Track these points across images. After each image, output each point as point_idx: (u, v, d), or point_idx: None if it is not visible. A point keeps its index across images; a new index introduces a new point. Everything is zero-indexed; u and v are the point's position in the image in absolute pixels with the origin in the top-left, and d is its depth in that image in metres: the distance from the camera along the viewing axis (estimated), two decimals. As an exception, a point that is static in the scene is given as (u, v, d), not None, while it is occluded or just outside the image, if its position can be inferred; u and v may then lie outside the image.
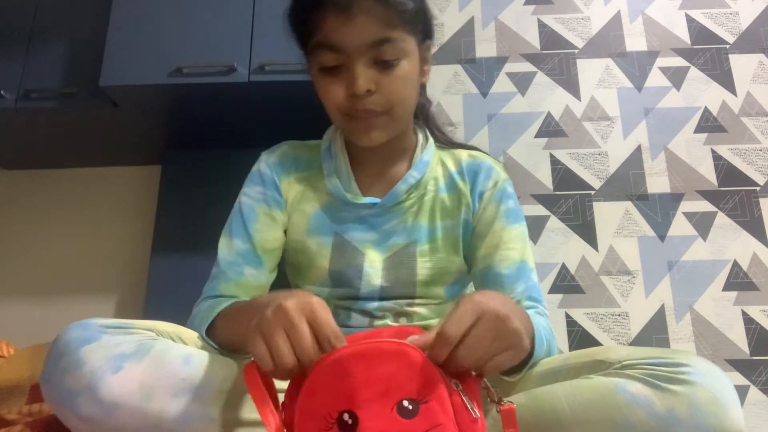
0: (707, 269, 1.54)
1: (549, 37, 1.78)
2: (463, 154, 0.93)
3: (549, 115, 1.71)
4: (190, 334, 0.73)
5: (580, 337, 1.51)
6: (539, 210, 1.62)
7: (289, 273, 0.96)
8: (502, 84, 1.75)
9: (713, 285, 1.53)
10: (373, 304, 0.85)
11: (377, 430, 0.50)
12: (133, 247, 1.93)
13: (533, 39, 1.78)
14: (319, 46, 0.76)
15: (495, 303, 0.55)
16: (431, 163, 0.90)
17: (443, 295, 0.88)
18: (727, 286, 1.52)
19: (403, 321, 0.86)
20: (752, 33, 1.73)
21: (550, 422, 0.62)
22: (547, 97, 1.73)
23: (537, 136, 1.69)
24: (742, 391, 1.44)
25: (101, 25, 1.55)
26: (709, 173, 1.62)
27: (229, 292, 0.83)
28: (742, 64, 1.71)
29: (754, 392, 1.43)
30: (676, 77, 1.71)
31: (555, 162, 1.66)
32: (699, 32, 1.75)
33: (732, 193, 1.60)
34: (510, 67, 1.76)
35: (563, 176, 1.65)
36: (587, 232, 1.60)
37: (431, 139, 0.94)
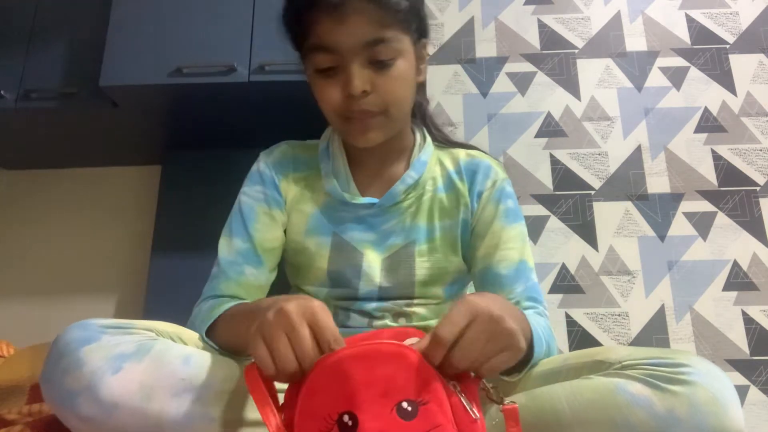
0: (707, 269, 1.54)
1: (549, 37, 1.78)
2: (461, 154, 0.93)
3: (549, 115, 1.71)
4: (190, 335, 0.73)
5: (580, 337, 1.51)
6: (539, 210, 1.62)
7: (288, 273, 0.96)
8: (502, 84, 1.75)
9: (713, 285, 1.53)
10: (372, 305, 0.85)
11: (377, 431, 0.50)
12: (133, 247, 1.93)
13: (533, 39, 1.78)
14: (314, 48, 0.76)
15: (489, 304, 0.55)
16: (429, 163, 0.90)
17: (442, 296, 0.88)
18: (727, 286, 1.52)
19: (402, 321, 0.86)
20: (752, 33, 1.73)
21: (550, 422, 0.62)
22: (547, 97, 1.73)
23: (537, 136, 1.69)
24: (742, 391, 1.44)
25: (101, 25, 1.55)
26: (709, 173, 1.62)
27: (230, 292, 0.83)
28: (742, 64, 1.71)
29: (754, 392, 1.43)
30: (676, 77, 1.71)
31: (555, 162, 1.66)
32: (699, 32, 1.75)
33: (732, 193, 1.60)
34: (510, 67, 1.76)
35: (563, 176, 1.65)
36: (587, 232, 1.60)
37: (429, 139, 0.93)
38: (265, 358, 0.53)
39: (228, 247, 0.86)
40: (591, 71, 1.74)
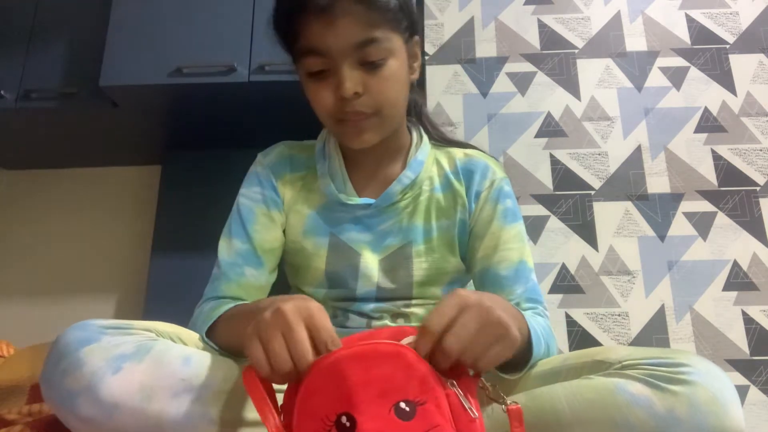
0: (707, 269, 1.54)
1: (549, 37, 1.78)
2: (459, 153, 0.93)
3: (549, 115, 1.71)
4: (190, 335, 0.73)
5: (580, 337, 1.51)
6: (539, 210, 1.62)
7: (288, 274, 0.96)
8: (502, 84, 1.75)
9: (713, 285, 1.53)
10: (370, 306, 0.85)
11: None
12: (133, 247, 1.93)
13: (533, 39, 1.78)
14: (304, 51, 0.75)
15: (480, 296, 0.55)
16: (426, 163, 0.90)
17: (440, 296, 0.88)
18: (727, 286, 1.52)
19: (400, 322, 0.86)
20: (752, 33, 1.73)
21: (550, 422, 0.62)
22: (547, 97, 1.73)
23: (537, 136, 1.69)
24: (742, 391, 1.43)
25: (101, 25, 1.55)
26: (709, 173, 1.62)
27: (231, 293, 0.83)
28: (742, 64, 1.71)
29: (754, 392, 1.43)
30: (676, 77, 1.71)
31: (555, 162, 1.66)
32: (699, 32, 1.75)
33: (732, 193, 1.60)
34: (510, 67, 1.76)
35: (563, 176, 1.65)
36: (587, 232, 1.60)
37: (426, 138, 0.93)
38: (260, 358, 0.53)
39: (228, 248, 0.86)
40: (591, 71, 1.74)
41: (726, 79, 1.69)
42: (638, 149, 1.66)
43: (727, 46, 1.72)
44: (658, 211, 1.60)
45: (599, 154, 1.67)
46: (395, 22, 0.76)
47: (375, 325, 0.84)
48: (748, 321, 1.49)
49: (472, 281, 0.92)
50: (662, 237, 1.57)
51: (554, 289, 1.56)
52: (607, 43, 1.76)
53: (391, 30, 0.76)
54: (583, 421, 0.60)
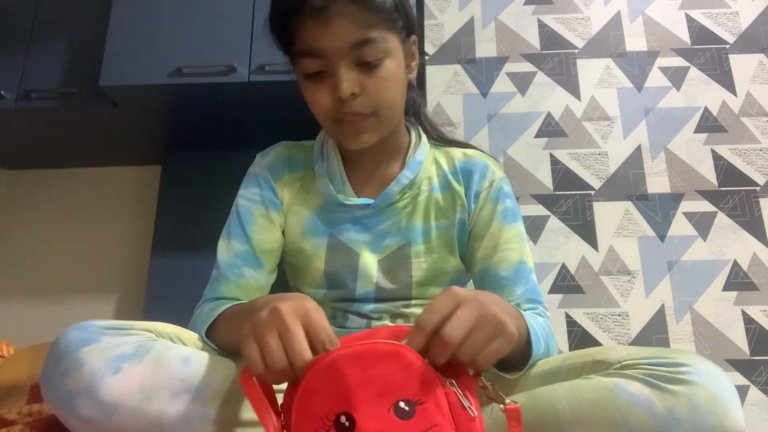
0: (707, 269, 1.54)
1: (549, 37, 1.78)
2: (458, 153, 0.92)
3: (549, 115, 1.71)
4: (190, 335, 0.73)
5: (580, 337, 1.51)
6: (539, 210, 1.62)
7: (288, 275, 0.96)
8: (502, 84, 1.75)
9: (713, 285, 1.53)
10: (370, 306, 0.85)
11: (375, 431, 0.50)
12: (133, 247, 1.93)
13: (533, 39, 1.78)
14: (301, 53, 0.75)
15: (475, 293, 0.55)
16: (425, 163, 0.89)
17: (440, 297, 0.88)
18: (727, 286, 1.52)
19: (400, 322, 0.85)
20: (752, 33, 1.73)
21: (550, 422, 0.62)
22: (547, 97, 1.73)
23: (537, 136, 1.69)
24: (742, 391, 1.43)
25: (101, 25, 1.55)
26: (709, 173, 1.62)
27: (230, 294, 0.83)
28: (742, 64, 1.71)
29: (754, 392, 1.43)
30: (676, 77, 1.71)
31: (555, 162, 1.66)
32: (699, 32, 1.75)
33: (732, 193, 1.60)
34: (510, 67, 1.76)
35: (563, 176, 1.65)
36: (587, 232, 1.60)
37: (424, 138, 0.93)
38: (255, 357, 0.53)
39: (227, 249, 0.86)
40: (591, 71, 1.74)
41: (726, 79, 1.69)
42: (638, 149, 1.66)
43: (727, 46, 1.72)
44: (658, 211, 1.60)
45: (599, 154, 1.66)
46: (391, 22, 0.76)
47: (374, 325, 0.84)
48: (748, 321, 1.49)
49: (471, 281, 0.92)
50: (662, 237, 1.57)
51: (554, 289, 1.56)
52: (607, 43, 1.76)
53: (387, 30, 0.76)
54: (583, 421, 0.60)
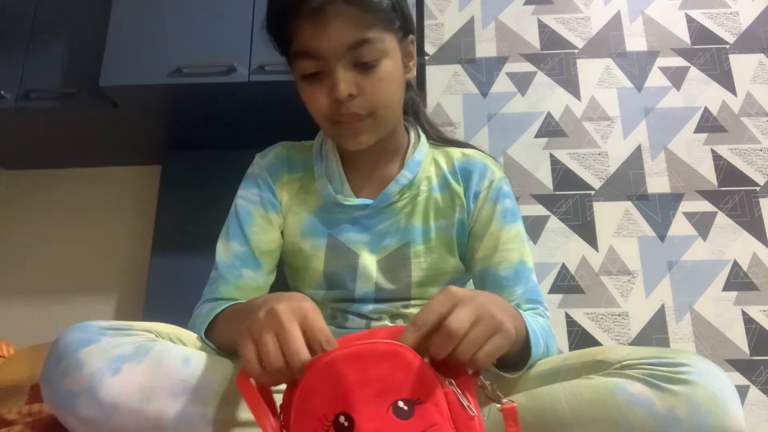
0: (707, 269, 1.54)
1: (549, 37, 1.78)
2: (457, 153, 0.92)
3: (549, 115, 1.71)
4: (189, 336, 0.73)
5: (580, 337, 1.51)
6: (539, 210, 1.62)
7: (287, 275, 0.96)
8: (502, 84, 1.75)
9: (713, 285, 1.53)
10: (369, 307, 0.85)
11: (374, 431, 0.50)
12: (133, 247, 1.93)
13: (533, 39, 1.78)
14: (298, 54, 0.75)
15: (473, 293, 0.55)
16: (424, 163, 0.89)
17: (439, 297, 0.88)
18: (727, 286, 1.52)
19: (399, 322, 0.85)
20: (752, 33, 1.73)
21: (550, 422, 0.62)
22: (547, 97, 1.73)
23: (537, 136, 1.69)
24: (742, 391, 1.43)
25: (101, 25, 1.55)
26: (709, 173, 1.62)
27: (229, 295, 0.83)
28: (742, 64, 1.71)
29: (754, 392, 1.43)
30: (676, 77, 1.71)
31: (555, 162, 1.66)
32: (699, 32, 1.75)
33: (732, 193, 1.60)
34: (510, 67, 1.76)
35: (563, 176, 1.65)
36: (587, 232, 1.60)
37: (423, 138, 0.93)
38: (252, 358, 0.53)
39: (225, 250, 0.86)
40: (591, 71, 1.74)
41: (726, 79, 1.69)
42: (638, 149, 1.66)
43: (727, 46, 1.72)
44: (658, 211, 1.60)
45: (599, 154, 1.67)
46: (388, 22, 0.76)
47: (374, 325, 0.84)
48: (748, 321, 1.49)
49: (471, 281, 0.92)
50: (662, 237, 1.57)
51: (554, 289, 1.56)
52: (607, 43, 1.76)
53: (384, 30, 0.76)
54: (582, 421, 0.60)
